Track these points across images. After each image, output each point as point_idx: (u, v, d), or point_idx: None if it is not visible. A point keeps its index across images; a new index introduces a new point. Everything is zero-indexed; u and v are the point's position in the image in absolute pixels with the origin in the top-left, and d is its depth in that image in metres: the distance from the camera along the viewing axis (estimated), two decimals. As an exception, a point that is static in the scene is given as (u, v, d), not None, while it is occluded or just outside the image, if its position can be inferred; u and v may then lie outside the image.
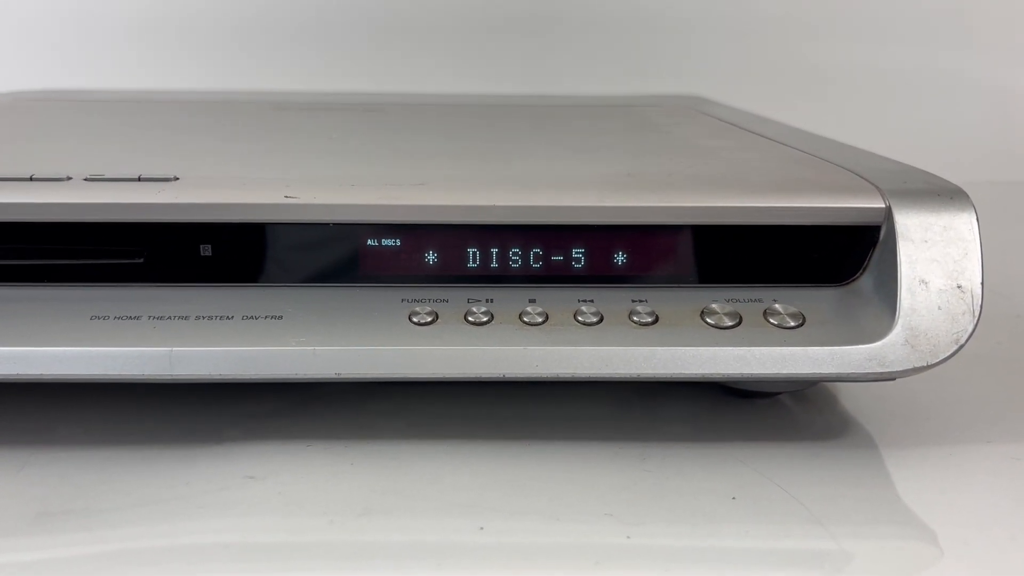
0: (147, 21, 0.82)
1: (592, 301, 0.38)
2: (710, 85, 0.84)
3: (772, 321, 0.38)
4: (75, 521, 0.33)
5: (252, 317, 0.37)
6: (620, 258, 0.39)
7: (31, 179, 0.38)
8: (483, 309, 0.38)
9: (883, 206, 0.38)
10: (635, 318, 0.38)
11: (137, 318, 0.37)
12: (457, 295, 0.38)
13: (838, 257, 0.39)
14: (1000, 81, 0.89)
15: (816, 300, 0.38)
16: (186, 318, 0.37)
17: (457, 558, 0.31)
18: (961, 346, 0.37)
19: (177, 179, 0.38)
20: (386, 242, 0.38)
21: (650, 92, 0.85)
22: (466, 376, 0.36)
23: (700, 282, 0.39)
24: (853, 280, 0.39)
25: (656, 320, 0.38)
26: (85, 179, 0.38)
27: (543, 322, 0.37)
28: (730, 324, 0.38)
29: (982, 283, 0.37)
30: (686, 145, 0.53)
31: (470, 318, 0.37)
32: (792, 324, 0.38)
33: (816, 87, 0.88)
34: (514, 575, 0.31)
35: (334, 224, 0.37)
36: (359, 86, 0.83)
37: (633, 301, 0.38)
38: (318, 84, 0.83)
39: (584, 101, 0.80)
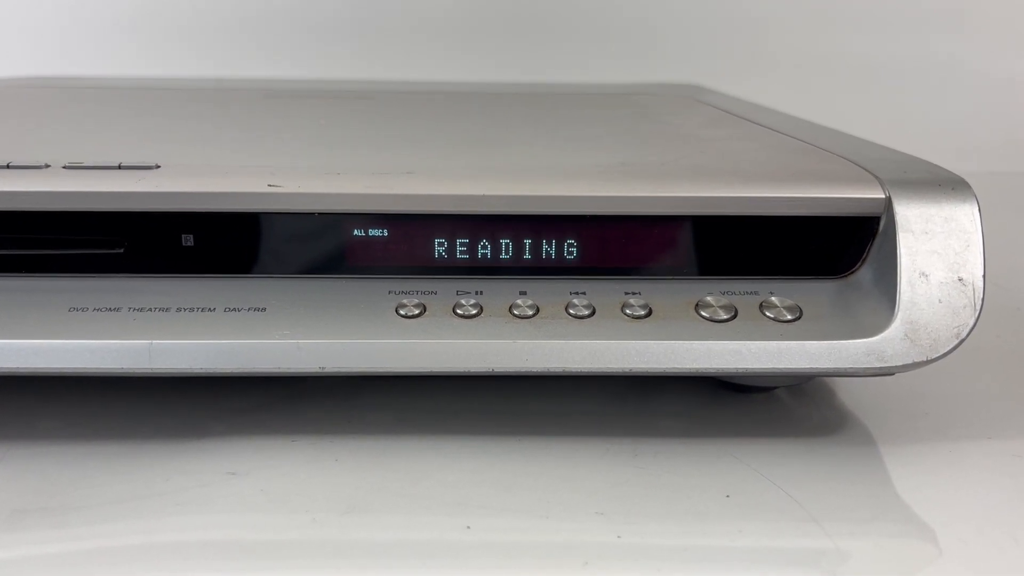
0: (141, 7, 0.81)
1: (584, 293, 0.37)
2: (709, 74, 0.83)
3: (768, 314, 0.37)
4: (51, 518, 0.32)
5: (234, 309, 0.36)
6: (613, 249, 0.38)
7: (7, 166, 0.37)
8: (472, 302, 0.37)
9: (883, 196, 0.37)
10: (628, 311, 0.37)
11: (117, 310, 0.36)
12: (446, 287, 0.37)
13: (836, 249, 0.38)
14: (1001, 70, 0.88)
15: (813, 293, 0.38)
16: (167, 310, 0.36)
17: (443, 557, 0.31)
18: (962, 340, 0.36)
19: (158, 167, 0.37)
20: (373, 232, 0.37)
21: (647, 80, 0.84)
22: (454, 371, 0.36)
23: (695, 274, 0.38)
24: (852, 272, 0.38)
25: (649, 313, 0.37)
26: (64, 167, 0.37)
27: (534, 315, 0.37)
28: (725, 317, 0.37)
29: (984, 276, 0.36)
30: (682, 134, 0.52)
31: (459, 311, 0.37)
32: (789, 317, 0.37)
33: (816, 76, 0.87)
34: (501, 575, 0.30)
35: (319, 213, 0.37)
36: (351, 73, 0.82)
37: (626, 294, 0.38)
38: (310, 71, 0.82)
39: (579, 89, 0.79)
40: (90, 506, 0.33)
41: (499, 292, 0.37)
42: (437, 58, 0.83)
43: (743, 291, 0.38)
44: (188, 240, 0.37)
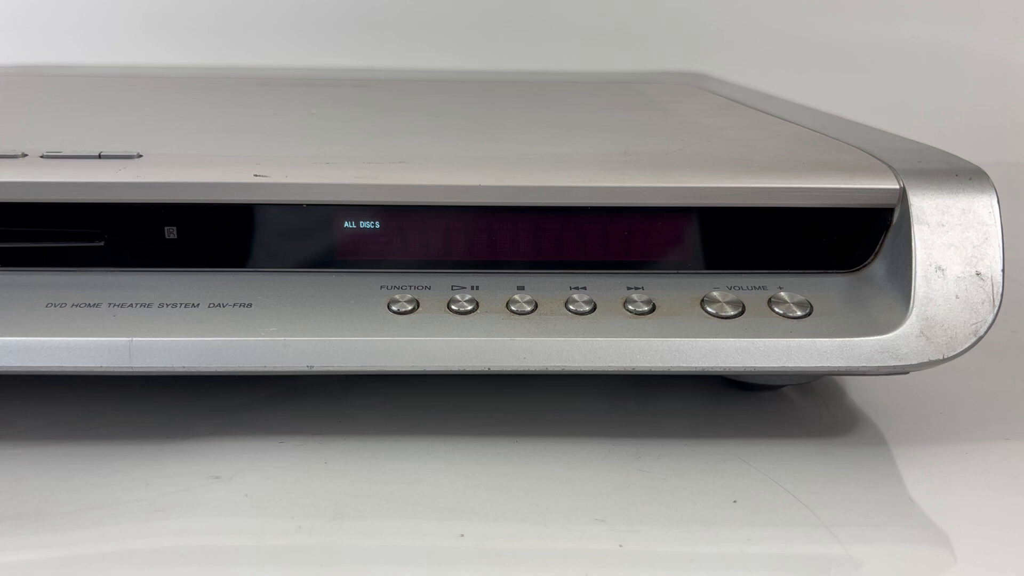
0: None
1: (585, 288, 0.36)
2: (715, 62, 0.81)
3: (777, 310, 0.36)
4: (24, 526, 0.31)
5: (219, 305, 0.35)
6: (615, 242, 0.37)
7: (-18, 156, 0.35)
8: (468, 297, 0.36)
9: (897, 187, 0.36)
10: (630, 307, 0.36)
11: (96, 305, 0.35)
12: (440, 282, 0.36)
13: (848, 242, 0.37)
14: (1014, 57, 0.86)
15: (824, 288, 0.36)
16: (148, 305, 0.35)
17: (434, 567, 0.29)
18: (980, 338, 0.35)
19: (140, 156, 0.36)
20: (364, 224, 0.36)
21: (651, 69, 0.82)
22: (448, 370, 0.34)
23: (700, 268, 0.37)
24: (864, 266, 0.37)
25: (653, 309, 0.36)
26: (42, 156, 0.36)
27: (532, 311, 0.35)
28: (732, 313, 0.35)
29: (1003, 270, 0.35)
30: (687, 123, 0.50)
31: (453, 306, 0.35)
32: (798, 314, 0.36)
33: (825, 64, 0.85)
34: (496, 586, 0.29)
35: (307, 205, 0.35)
36: (347, 61, 0.81)
37: (629, 289, 0.36)
38: (304, 60, 0.81)
39: (581, 78, 0.77)
40: (66, 512, 0.31)
41: (496, 287, 0.36)
42: (435, 46, 0.82)
43: (751, 286, 0.36)
44: (171, 232, 0.36)
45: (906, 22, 0.85)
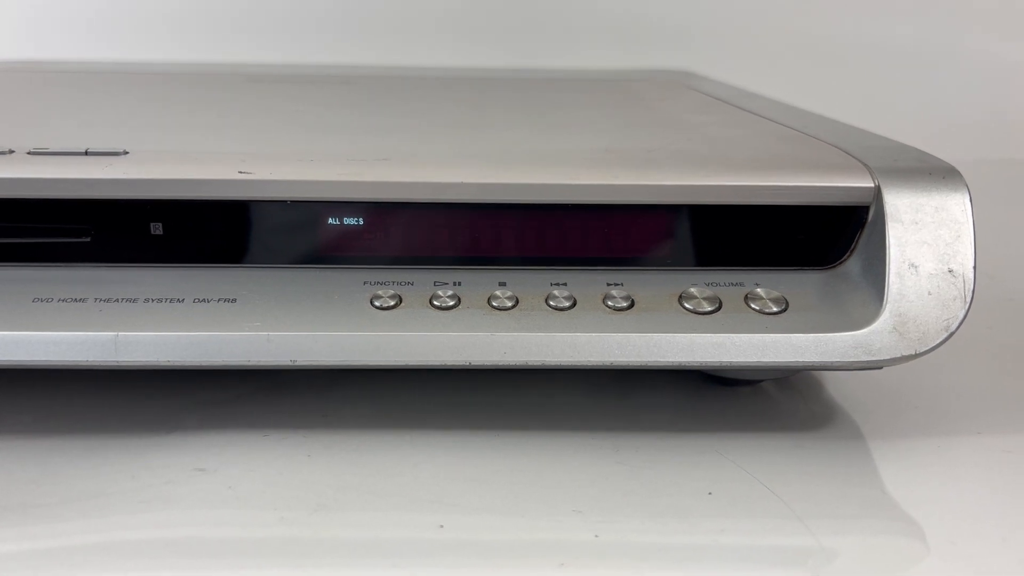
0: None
1: (565, 284, 0.37)
2: (702, 60, 0.81)
3: (754, 306, 0.36)
4: (7, 518, 0.31)
5: (204, 300, 0.35)
6: (595, 239, 0.37)
7: (-32, 152, 0.36)
8: (450, 293, 0.36)
9: (872, 185, 0.36)
10: (610, 303, 0.36)
11: (82, 301, 0.35)
12: (422, 278, 0.37)
13: (824, 239, 0.37)
14: (994, 55, 0.87)
15: (800, 284, 0.37)
16: (134, 301, 0.35)
17: (414, 557, 0.30)
18: (952, 333, 0.35)
19: (127, 153, 0.36)
20: (347, 221, 0.36)
21: (638, 66, 0.83)
22: (430, 364, 0.35)
23: (678, 265, 0.37)
24: (839, 263, 0.37)
25: (632, 305, 0.36)
26: (28, 152, 0.36)
27: (513, 307, 0.36)
28: (709, 309, 0.36)
29: (975, 267, 0.35)
30: (670, 120, 0.51)
31: (436, 302, 0.36)
32: (775, 309, 0.36)
33: (813, 62, 0.86)
34: (474, 576, 0.29)
35: (291, 201, 0.36)
36: (334, 58, 0.81)
37: (608, 285, 0.37)
38: (294, 56, 0.81)
39: (567, 75, 0.78)
40: (51, 504, 0.32)
41: (477, 283, 0.36)
42: (422, 42, 0.82)
43: (728, 282, 0.37)
44: (157, 228, 0.36)
45: (893, 20, 0.86)
